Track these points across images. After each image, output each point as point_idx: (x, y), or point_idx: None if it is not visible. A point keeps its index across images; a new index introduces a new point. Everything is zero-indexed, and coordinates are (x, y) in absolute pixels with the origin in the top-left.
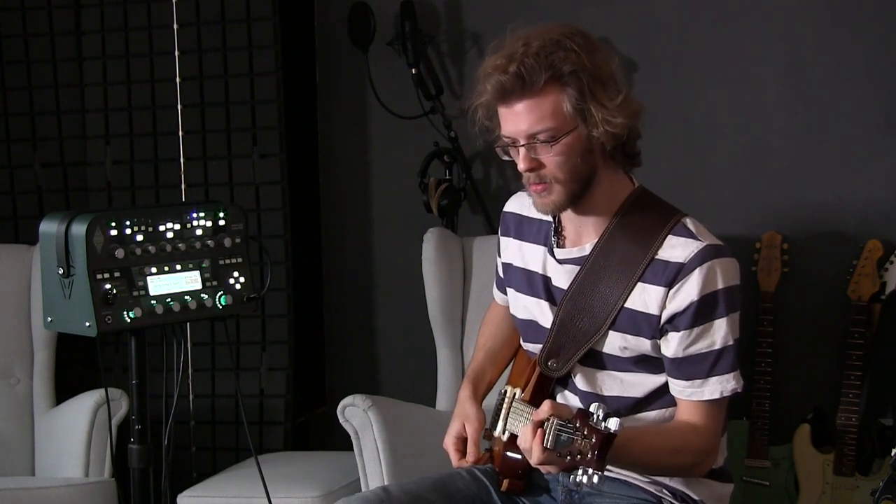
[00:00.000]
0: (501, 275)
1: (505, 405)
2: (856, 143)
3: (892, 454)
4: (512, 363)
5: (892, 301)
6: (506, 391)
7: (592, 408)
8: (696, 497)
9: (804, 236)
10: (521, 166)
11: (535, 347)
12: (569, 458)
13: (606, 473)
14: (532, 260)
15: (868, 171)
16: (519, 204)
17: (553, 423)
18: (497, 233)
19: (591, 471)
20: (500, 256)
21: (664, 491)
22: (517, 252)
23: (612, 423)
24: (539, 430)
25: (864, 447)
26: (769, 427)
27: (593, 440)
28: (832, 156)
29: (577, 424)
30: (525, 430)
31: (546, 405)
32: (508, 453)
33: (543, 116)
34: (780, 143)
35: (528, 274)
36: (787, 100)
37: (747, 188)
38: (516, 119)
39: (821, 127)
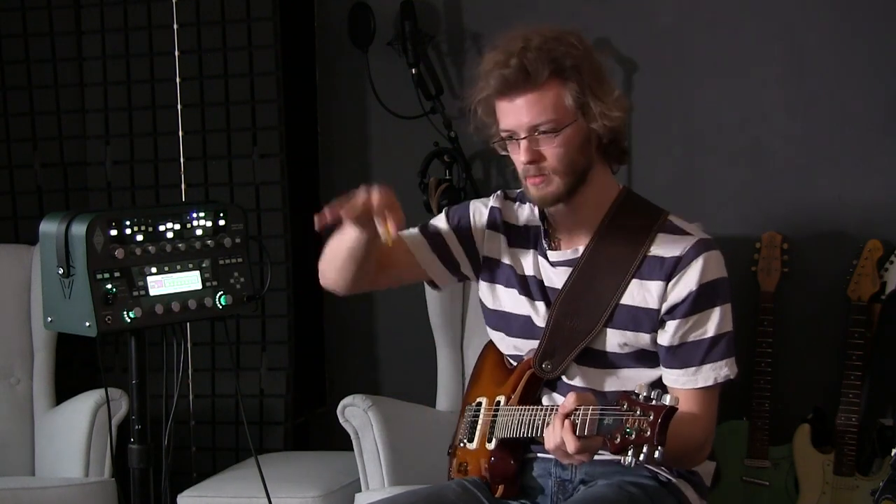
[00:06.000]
0: (463, 258)
1: (484, 416)
2: (856, 143)
3: (892, 454)
4: (474, 375)
5: (892, 301)
6: (480, 403)
7: (637, 389)
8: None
9: (804, 236)
10: (523, 158)
11: (524, 343)
12: (619, 439)
13: (600, 457)
14: (525, 265)
15: (868, 171)
16: (507, 209)
17: (586, 411)
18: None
19: (646, 447)
20: (448, 220)
21: (661, 468)
22: (505, 252)
23: (668, 399)
24: (567, 422)
25: (864, 447)
26: (769, 427)
27: (651, 417)
28: (832, 156)
29: (626, 406)
30: (552, 426)
31: (571, 397)
32: (497, 459)
33: (545, 109)
34: (780, 143)
35: (521, 277)
36: (787, 100)
37: (747, 188)
38: (518, 113)
39: (821, 127)
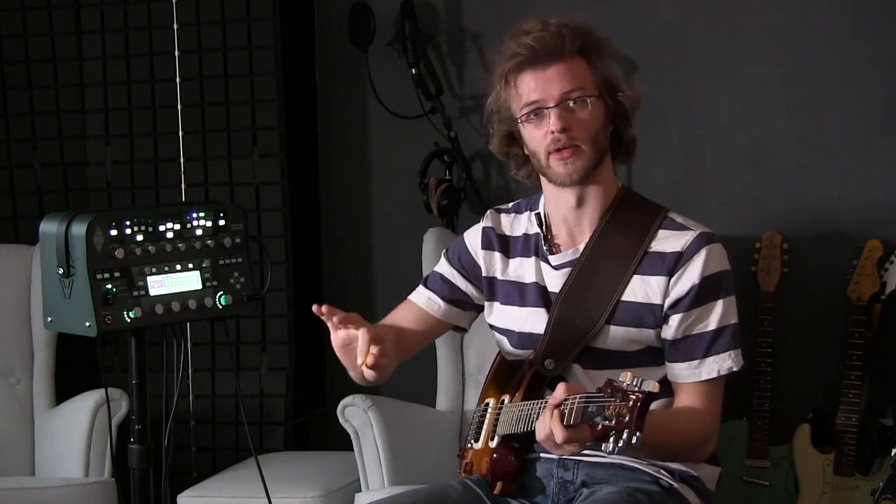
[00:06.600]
0: (459, 284)
1: (489, 415)
2: (856, 143)
3: (892, 454)
4: (487, 378)
5: (892, 301)
6: (488, 403)
7: (620, 377)
8: (695, 473)
9: (804, 236)
10: (554, 127)
11: (526, 354)
12: (601, 426)
13: (602, 459)
14: (525, 272)
15: (868, 171)
16: (499, 224)
17: (574, 400)
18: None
19: (626, 432)
20: (449, 260)
21: (662, 472)
22: (503, 266)
23: (648, 385)
24: (557, 412)
25: (864, 447)
26: (769, 427)
27: (630, 403)
28: (832, 156)
29: (609, 392)
30: (542, 416)
31: (561, 387)
32: (498, 456)
33: (576, 78)
34: (780, 143)
35: (521, 286)
36: (787, 100)
37: (747, 188)
38: (548, 83)
39: (821, 127)
